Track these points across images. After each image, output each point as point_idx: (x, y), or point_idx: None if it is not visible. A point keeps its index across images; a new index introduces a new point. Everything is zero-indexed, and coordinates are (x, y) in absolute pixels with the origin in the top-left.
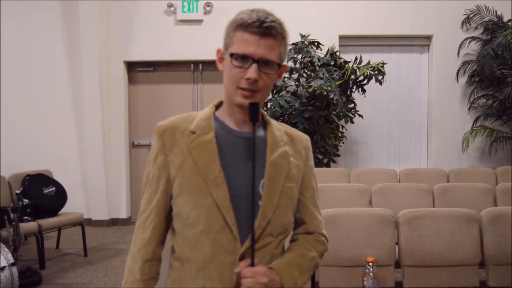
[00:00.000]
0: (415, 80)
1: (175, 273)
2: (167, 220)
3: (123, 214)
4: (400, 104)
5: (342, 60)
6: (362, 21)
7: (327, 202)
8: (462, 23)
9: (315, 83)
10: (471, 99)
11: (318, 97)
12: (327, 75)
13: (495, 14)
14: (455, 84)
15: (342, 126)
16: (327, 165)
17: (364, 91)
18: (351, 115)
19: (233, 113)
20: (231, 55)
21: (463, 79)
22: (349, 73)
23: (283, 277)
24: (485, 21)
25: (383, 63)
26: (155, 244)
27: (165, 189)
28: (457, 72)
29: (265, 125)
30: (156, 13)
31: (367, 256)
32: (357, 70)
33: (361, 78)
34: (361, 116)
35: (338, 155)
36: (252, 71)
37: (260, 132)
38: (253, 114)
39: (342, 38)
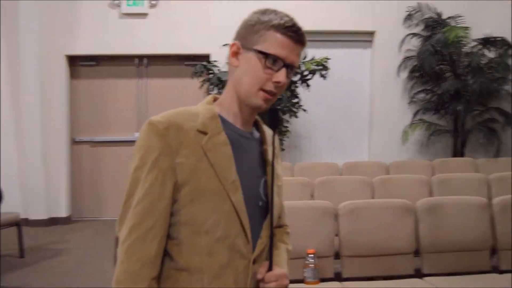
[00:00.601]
0: (358, 75)
1: (179, 285)
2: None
3: (62, 213)
4: (344, 99)
5: None
6: (307, 17)
7: None
8: (404, 19)
9: None
10: (411, 94)
11: None
12: None
13: (435, 12)
14: (396, 79)
15: (287, 121)
16: None
17: (308, 86)
18: (295, 109)
19: (241, 113)
20: (263, 54)
21: (404, 74)
22: None
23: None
24: (425, 18)
25: (327, 59)
26: (159, 260)
27: (171, 196)
28: (399, 68)
29: (256, 123)
30: (100, 6)
31: (307, 248)
32: (302, 65)
33: (306, 73)
34: (305, 110)
35: (283, 150)
36: (282, 75)
37: (255, 132)
38: (274, 120)
39: None
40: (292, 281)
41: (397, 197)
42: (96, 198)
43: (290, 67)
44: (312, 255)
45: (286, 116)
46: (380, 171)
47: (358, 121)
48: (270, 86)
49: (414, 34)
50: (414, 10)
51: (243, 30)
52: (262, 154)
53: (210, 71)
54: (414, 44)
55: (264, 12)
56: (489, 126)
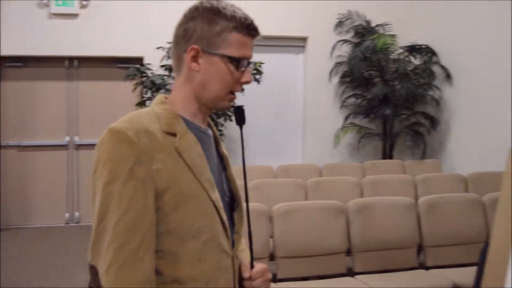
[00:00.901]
0: (291, 79)
1: None
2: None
3: None
4: (278, 103)
5: None
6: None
7: None
8: (335, 26)
9: None
10: (343, 98)
11: None
12: None
13: (364, 19)
14: (328, 84)
15: (222, 124)
16: None
17: (242, 90)
18: (230, 113)
19: (198, 113)
20: (231, 59)
21: (336, 79)
22: None
23: None
24: (355, 25)
25: (261, 63)
26: (154, 274)
27: (154, 206)
28: (330, 73)
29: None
30: (28, 5)
31: None
32: None
33: None
34: None
35: None
36: (249, 74)
37: (208, 128)
38: (241, 117)
39: None
40: None
41: (330, 199)
42: (24, 205)
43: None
44: None
45: (221, 120)
46: (314, 174)
47: (292, 125)
48: (238, 88)
49: (345, 41)
50: (344, 17)
51: (200, 32)
52: (218, 150)
53: (144, 74)
54: (345, 50)
55: (219, 11)
56: (415, 130)
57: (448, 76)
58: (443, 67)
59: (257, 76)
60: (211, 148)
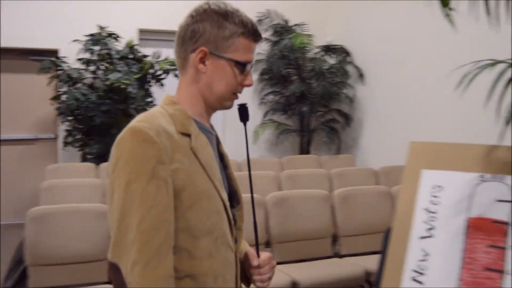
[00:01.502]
0: None
1: None
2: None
3: None
4: None
5: (141, 54)
6: (162, 16)
7: None
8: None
9: (112, 76)
10: (262, 95)
11: (116, 91)
12: (125, 68)
13: (283, 19)
14: None
15: None
16: None
17: (162, 85)
18: (149, 109)
19: (206, 113)
20: (237, 63)
21: (255, 77)
22: (147, 67)
23: None
24: (274, 24)
25: None
26: (173, 273)
27: (173, 205)
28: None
29: None
30: None
31: None
32: (156, 65)
33: (160, 72)
34: None
35: None
36: (251, 77)
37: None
38: (245, 115)
39: (142, 32)
40: (98, 282)
41: (249, 193)
42: None
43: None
44: None
45: None
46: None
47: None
48: (240, 89)
49: (264, 39)
50: (264, 16)
51: (209, 35)
52: (219, 148)
53: (59, 67)
54: (264, 48)
55: (227, 15)
56: (331, 126)
57: (360, 76)
58: (356, 67)
59: (177, 72)
60: (215, 146)
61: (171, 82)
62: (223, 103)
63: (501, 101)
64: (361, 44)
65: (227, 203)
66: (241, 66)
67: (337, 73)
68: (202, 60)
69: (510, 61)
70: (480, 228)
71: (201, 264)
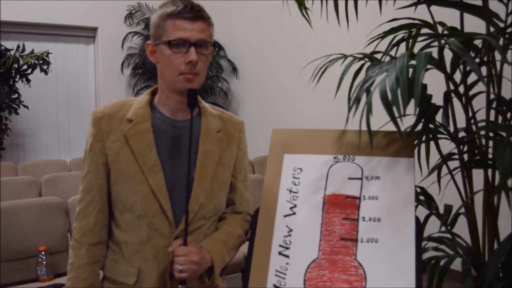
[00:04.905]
0: (82, 70)
1: (112, 255)
2: (109, 205)
3: None
4: (68, 95)
5: (3, 48)
6: (25, 8)
7: None
8: (125, 18)
9: None
10: (136, 90)
11: None
12: None
13: (153, 12)
14: (120, 76)
15: (6, 118)
16: None
17: (28, 81)
18: (15, 106)
19: (168, 102)
20: (168, 42)
21: (128, 71)
22: (11, 62)
23: (213, 255)
24: (145, 18)
25: (48, 53)
26: (99, 228)
27: (105, 174)
28: (122, 64)
29: (200, 111)
30: None
31: (39, 245)
32: (20, 59)
33: (25, 67)
34: (26, 107)
35: (3, 149)
36: (192, 54)
37: (195, 120)
38: (192, 100)
39: (3, 24)
40: (26, 281)
41: None
42: None
43: (199, 45)
44: (43, 252)
45: (5, 113)
46: None
47: (84, 117)
48: (186, 68)
49: (136, 33)
50: (134, 9)
51: (151, 30)
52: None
53: None
54: (136, 42)
55: (161, 6)
56: None
57: (234, 69)
58: (229, 61)
59: (44, 67)
60: (180, 137)
61: (39, 78)
62: (176, 85)
63: (350, 90)
64: (234, 39)
65: (159, 189)
66: (174, 44)
67: (211, 67)
68: (152, 53)
69: (357, 55)
70: (335, 204)
71: (125, 235)
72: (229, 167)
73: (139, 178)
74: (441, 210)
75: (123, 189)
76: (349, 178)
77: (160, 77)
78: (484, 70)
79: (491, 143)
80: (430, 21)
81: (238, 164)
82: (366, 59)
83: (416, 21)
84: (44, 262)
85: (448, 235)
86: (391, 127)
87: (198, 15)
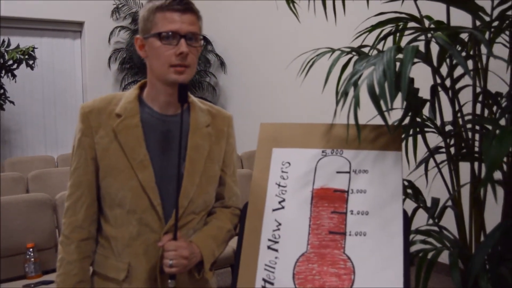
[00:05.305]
0: (69, 65)
1: (101, 250)
2: (98, 200)
3: None
4: (55, 90)
5: None
6: (10, 2)
7: None
8: (112, 12)
9: None
10: (123, 85)
11: None
12: None
13: (141, 6)
14: (107, 70)
15: None
16: None
17: (14, 76)
18: (1, 101)
19: (157, 96)
20: (158, 34)
21: (115, 66)
22: None
23: (203, 250)
24: (132, 12)
25: (34, 48)
26: (88, 224)
27: (94, 170)
28: (109, 59)
29: (188, 106)
30: None
31: (26, 242)
32: (6, 54)
33: (11, 62)
34: (12, 102)
35: None
36: (183, 45)
37: (184, 114)
38: (182, 95)
39: None
40: (13, 278)
41: None
42: None
43: (189, 37)
44: (31, 249)
45: None
46: None
47: (71, 112)
48: (176, 60)
49: (122, 27)
50: (121, 3)
51: (140, 24)
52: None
53: None
54: (123, 36)
55: (149, 0)
56: None
57: (222, 64)
58: (217, 55)
59: (30, 62)
60: (167, 133)
61: (24, 73)
62: (165, 78)
63: (338, 84)
64: (221, 33)
65: (148, 184)
66: (164, 36)
67: (199, 62)
68: (141, 48)
69: (345, 49)
70: (324, 197)
71: (115, 230)
72: (218, 161)
73: (128, 173)
74: (429, 203)
75: (112, 184)
76: (337, 172)
77: (150, 71)
78: (470, 63)
79: (477, 136)
80: (417, 15)
81: (227, 158)
82: (354, 53)
83: (403, 15)
84: (32, 259)
85: (436, 228)
86: (378, 121)
87: (188, 7)
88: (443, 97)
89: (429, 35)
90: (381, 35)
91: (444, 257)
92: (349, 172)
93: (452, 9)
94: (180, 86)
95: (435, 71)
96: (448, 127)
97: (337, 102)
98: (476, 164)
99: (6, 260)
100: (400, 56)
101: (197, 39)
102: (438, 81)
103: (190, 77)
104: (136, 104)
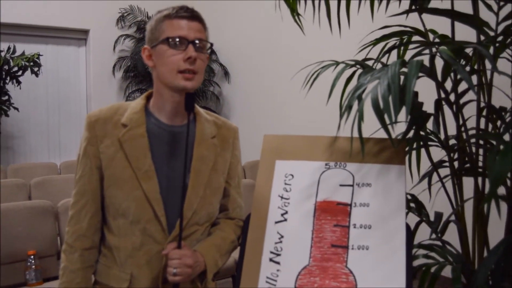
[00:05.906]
0: (73, 73)
1: (104, 260)
2: (102, 209)
3: None
4: (59, 97)
5: None
6: (16, 9)
7: None
8: (117, 20)
9: None
10: (127, 93)
11: None
12: None
13: (146, 15)
14: (112, 78)
15: None
16: None
17: (19, 82)
18: (5, 108)
19: (164, 105)
20: (166, 40)
21: (119, 74)
22: (1, 63)
23: (206, 259)
24: (137, 21)
25: (39, 55)
26: (92, 233)
27: (99, 179)
28: (114, 67)
29: (194, 117)
30: None
31: (27, 249)
32: (11, 61)
33: (16, 69)
34: (16, 109)
35: None
36: (190, 50)
37: (190, 125)
38: (189, 103)
39: None
40: (14, 285)
41: None
42: None
43: (197, 45)
44: (32, 256)
45: None
46: None
47: (75, 120)
48: (185, 65)
49: (127, 35)
50: (126, 12)
51: (147, 35)
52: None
53: None
54: (127, 45)
55: (158, 12)
56: None
57: (226, 74)
58: (221, 65)
59: (35, 69)
60: (173, 143)
61: (29, 80)
62: (174, 85)
63: (342, 97)
64: (226, 43)
65: (152, 195)
66: (172, 41)
67: None
68: (149, 57)
69: (349, 62)
70: (326, 210)
71: (118, 240)
72: (223, 173)
73: (133, 184)
74: (432, 217)
75: (116, 194)
76: (341, 185)
77: (156, 80)
78: (474, 78)
79: (481, 151)
80: (422, 28)
81: (232, 170)
82: (358, 66)
83: (408, 29)
84: (33, 267)
85: (439, 243)
86: (382, 134)
87: (195, 15)
88: (447, 111)
89: (434, 49)
90: (386, 48)
91: (447, 272)
92: (352, 185)
93: (456, 23)
94: (188, 95)
95: (440, 86)
96: (452, 141)
97: (341, 115)
98: (480, 179)
99: (6, 267)
100: (404, 70)
101: (204, 46)
102: (443, 95)
103: (198, 84)
104: (142, 114)
